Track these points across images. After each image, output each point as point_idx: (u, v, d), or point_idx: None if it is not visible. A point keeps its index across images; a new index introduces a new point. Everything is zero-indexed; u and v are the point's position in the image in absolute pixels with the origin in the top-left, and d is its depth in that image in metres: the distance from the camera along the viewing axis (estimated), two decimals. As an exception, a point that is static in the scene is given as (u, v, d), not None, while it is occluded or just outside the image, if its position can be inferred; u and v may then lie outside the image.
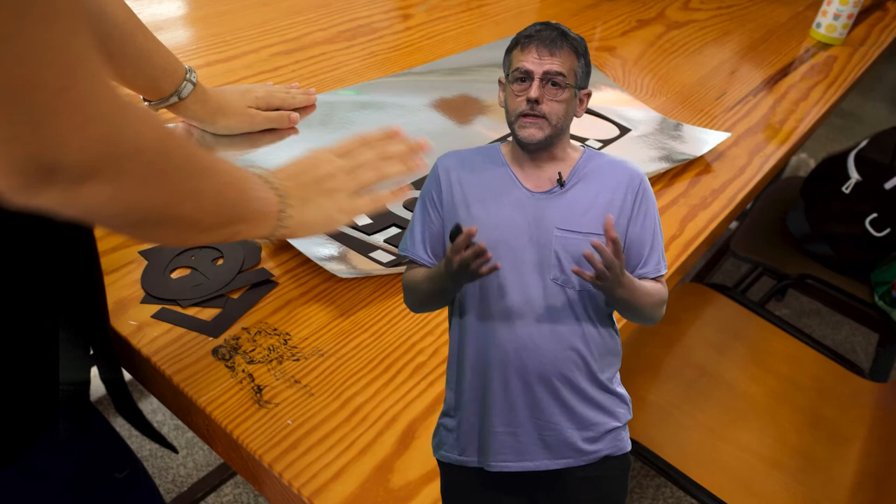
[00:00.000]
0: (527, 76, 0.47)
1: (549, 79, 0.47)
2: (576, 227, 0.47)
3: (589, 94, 0.51)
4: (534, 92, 0.47)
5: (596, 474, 0.48)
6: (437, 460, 0.52)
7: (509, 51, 0.50)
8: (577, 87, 0.49)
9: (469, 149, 0.52)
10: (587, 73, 0.50)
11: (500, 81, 0.51)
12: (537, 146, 0.48)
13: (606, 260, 0.44)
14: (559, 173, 0.48)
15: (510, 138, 0.50)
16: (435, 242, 0.51)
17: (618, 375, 0.50)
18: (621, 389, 0.50)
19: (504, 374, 0.47)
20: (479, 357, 0.47)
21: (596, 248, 0.43)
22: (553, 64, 0.47)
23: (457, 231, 0.43)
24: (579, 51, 0.49)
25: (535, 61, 0.47)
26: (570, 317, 0.47)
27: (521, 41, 0.49)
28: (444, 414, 0.51)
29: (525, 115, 0.47)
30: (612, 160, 0.50)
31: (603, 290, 0.46)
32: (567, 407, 0.47)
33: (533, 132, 0.47)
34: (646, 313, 0.50)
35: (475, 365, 0.48)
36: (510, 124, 0.49)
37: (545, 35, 0.48)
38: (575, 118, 0.50)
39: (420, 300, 0.52)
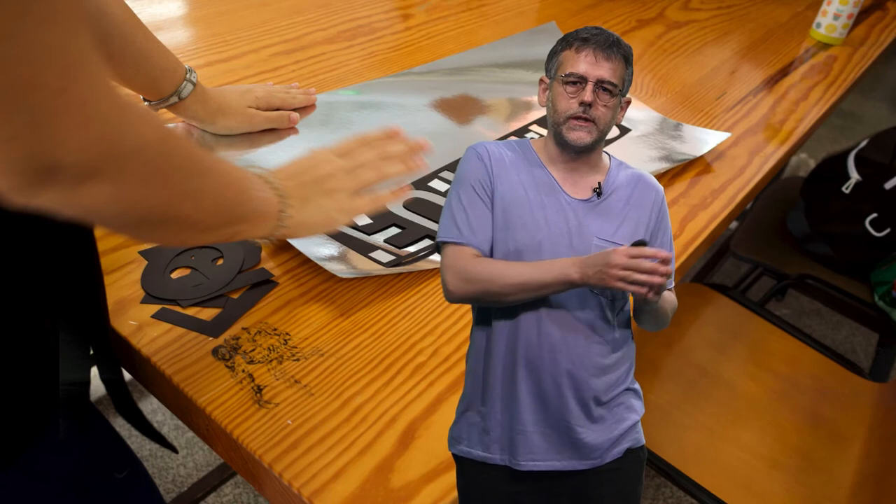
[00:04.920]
0: (580, 80, 0.48)
1: (601, 85, 0.48)
2: (613, 237, 0.48)
3: (629, 102, 0.52)
4: (588, 96, 0.48)
5: (616, 466, 0.49)
6: (455, 455, 0.52)
7: (558, 51, 0.50)
8: (622, 94, 0.50)
9: (501, 142, 0.52)
10: (630, 81, 0.51)
11: (541, 81, 0.51)
12: (583, 149, 0.49)
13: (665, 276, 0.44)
14: (598, 183, 0.49)
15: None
16: (487, 226, 0.49)
17: (633, 373, 0.52)
18: (636, 385, 0.52)
19: (537, 375, 0.47)
20: (511, 357, 0.48)
21: (657, 270, 0.44)
22: (607, 71, 0.48)
23: (642, 243, 0.44)
24: (629, 59, 0.50)
25: (591, 65, 0.48)
26: (602, 322, 0.48)
27: (574, 43, 0.49)
28: (467, 410, 0.51)
29: (576, 118, 0.48)
30: (637, 173, 0.52)
31: (650, 300, 0.46)
32: (593, 409, 0.48)
33: (582, 135, 0.48)
34: (661, 321, 0.52)
35: (506, 364, 0.48)
36: (556, 125, 0.49)
37: (602, 40, 0.48)
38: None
39: (506, 288, 0.47)
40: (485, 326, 0.50)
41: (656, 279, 0.43)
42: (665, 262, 0.44)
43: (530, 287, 0.47)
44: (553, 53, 0.50)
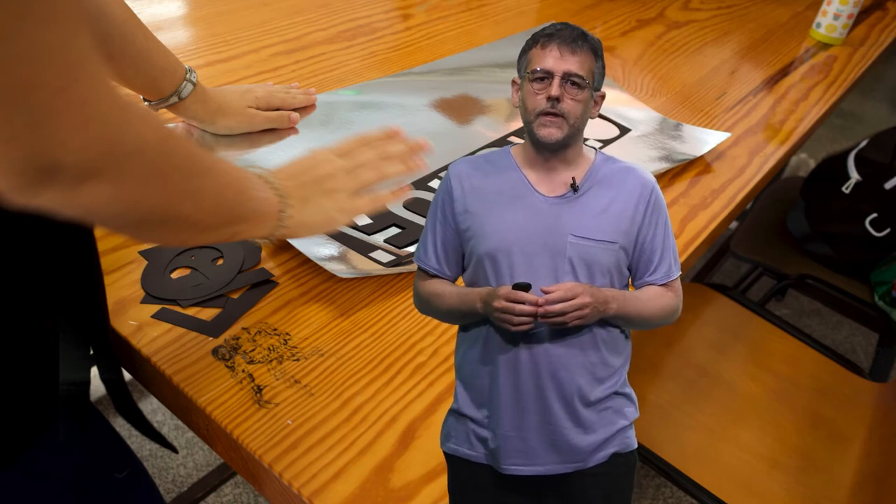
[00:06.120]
0: (547, 75, 0.47)
1: (568, 78, 0.47)
2: (590, 234, 0.47)
3: (603, 96, 0.51)
4: (555, 90, 0.47)
5: (604, 471, 0.49)
6: (444, 452, 0.51)
7: (526, 50, 0.49)
8: (593, 88, 0.49)
9: (480, 154, 0.52)
10: (602, 75, 0.50)
11: (513, 82, 0.51)
12: (555, 146, 0.48)
13: (560, 319, 0.44)
14: (573, 178, 0.48)
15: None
16: (448, 251, 0.51)
17: (626, 376, 0.50)
18: (629, 389, 0.50)
19: (516, 378, 0.47)
20: (492, 359, 0.47)
21: (545, 313, 0.44)
22: (573, 64, 0.47)
23: (524, 287, 0.44)
24: (597, 52, 0.49)
25: (556, 59, 0.47)
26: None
27: (540, 40, 0.48)
28: (455, 410, 0.51)
29: (545, 114, 0.47)
30: (625, 166, 0.50)
31: (583, 325, 0.46)
32: (578, 412, 0.47)
33: (552, 131, 0.47)
34: (651, 323, 0.50)
35: (488, 367, 0.48)
36: (527, 123, 0.48)
37: (566, 34, 0.48)
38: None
39: (439, 313, 0.52)
40: (468, 329, 0.50)
41: (525, 321, 0.44)
42: (559, 300, 0.44)
43: (456, 315, 0.50)
44: (522, 52, 0.50)
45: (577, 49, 0.47)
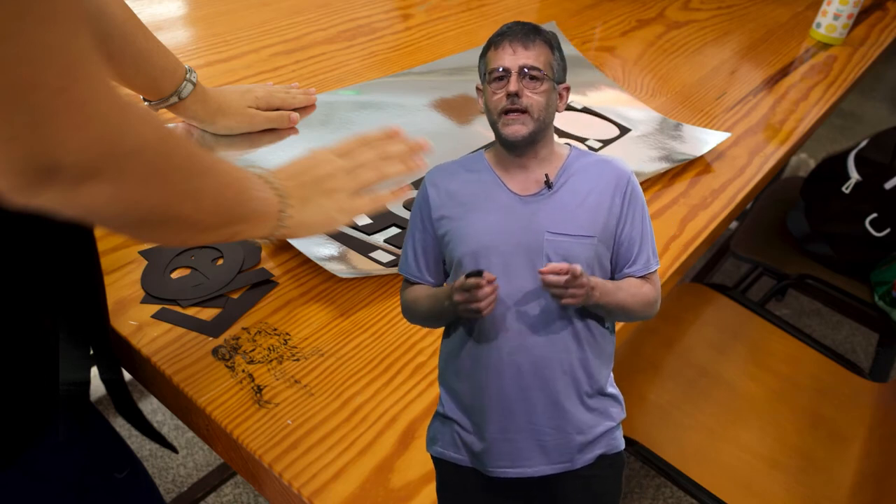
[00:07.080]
0: (504, 73, 0.47)
1: (526, 72, 0.47)
2: (566, 229, 0.46)
3: (568, 89, 0.50)
4: (512, 85, 0.46)
5: (591, 473, 0.48)
6: (432, 456, 0.51)
7: (483, 55, 0.49)
8: (554, 80, 0.48)
9: (454, 161, 0.52)
10: (563, 68, 0.50)
11: (477, 89, 0.50)
12: (522, 142, 0.47)
13: (561, 292, 0.44)
14: (546, 175, 0.48)
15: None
16: (428, 258, 0.51)
17: (611, 376, 0.50)
18: (615, 390, 0.50)
19: (500, 380, 0.46)
20: (474, 362, 0.47)
21: (549, 283, 0.43)
22: (528, 57, 0.47)
23: (476, 274, 0.43)
24: (553, 45, 0.49)
25: (510, 56, 0.47)
26: (564, 320, 0.46)
27: (493, 41, 0.48)
28: (440, 414, 0.50)
29: (507, 112, 0.47)
30: (599, 159, 0.50)
31: (569, 306, 0.45)
32: (563, 412, 0.47)
33: (517, 128, 0.47)
34: (632, 314, 0.49)
35: (470, 370, 0.47)
36: (493, 125, 0.48)
37: (517, 30, 0.48)
38: (557, 114, 0.50)
39: (420, 318, 0.52)
40: (450, 331, 0.50)
41: (489, 301, 0.43)
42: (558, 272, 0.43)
43: (433, 317, 0.50)
44: (480, 58, 0.50)
45: (530, 43, 0.47)
